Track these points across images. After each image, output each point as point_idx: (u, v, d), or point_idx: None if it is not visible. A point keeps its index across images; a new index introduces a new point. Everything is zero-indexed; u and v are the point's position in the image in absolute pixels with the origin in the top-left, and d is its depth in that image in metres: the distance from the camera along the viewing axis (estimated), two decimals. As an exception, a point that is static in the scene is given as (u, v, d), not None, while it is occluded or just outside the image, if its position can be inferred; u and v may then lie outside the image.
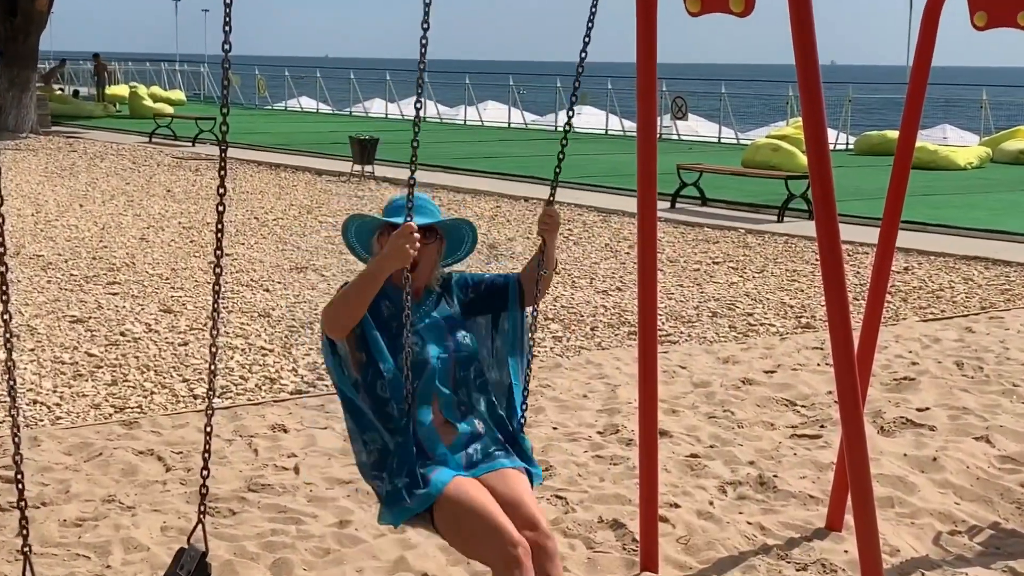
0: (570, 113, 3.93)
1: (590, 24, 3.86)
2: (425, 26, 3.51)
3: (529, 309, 3.88)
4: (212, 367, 3.38)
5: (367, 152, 20.26)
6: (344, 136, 23.37)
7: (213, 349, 3.40)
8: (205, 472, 3.45)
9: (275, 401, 7.04)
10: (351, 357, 3.58)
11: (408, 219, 3.51)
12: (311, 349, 8.44)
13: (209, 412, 3.39)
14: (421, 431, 3.55)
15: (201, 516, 3.40)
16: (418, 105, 3.65)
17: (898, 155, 4.72)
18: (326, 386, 7.49)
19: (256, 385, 7.49)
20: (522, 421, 3.80)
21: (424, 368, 3.58)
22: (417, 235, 3.47)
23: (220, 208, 3.31)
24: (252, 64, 52.26)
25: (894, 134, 27.41)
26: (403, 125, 35.93)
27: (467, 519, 3.41)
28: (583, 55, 3.87)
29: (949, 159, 23.69)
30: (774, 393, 7.25)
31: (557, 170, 3.92)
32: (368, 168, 20.31)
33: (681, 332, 9.28)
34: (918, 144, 23.41)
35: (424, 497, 3.46)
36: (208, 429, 3.43)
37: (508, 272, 3.95)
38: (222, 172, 3.30)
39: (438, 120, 38.48)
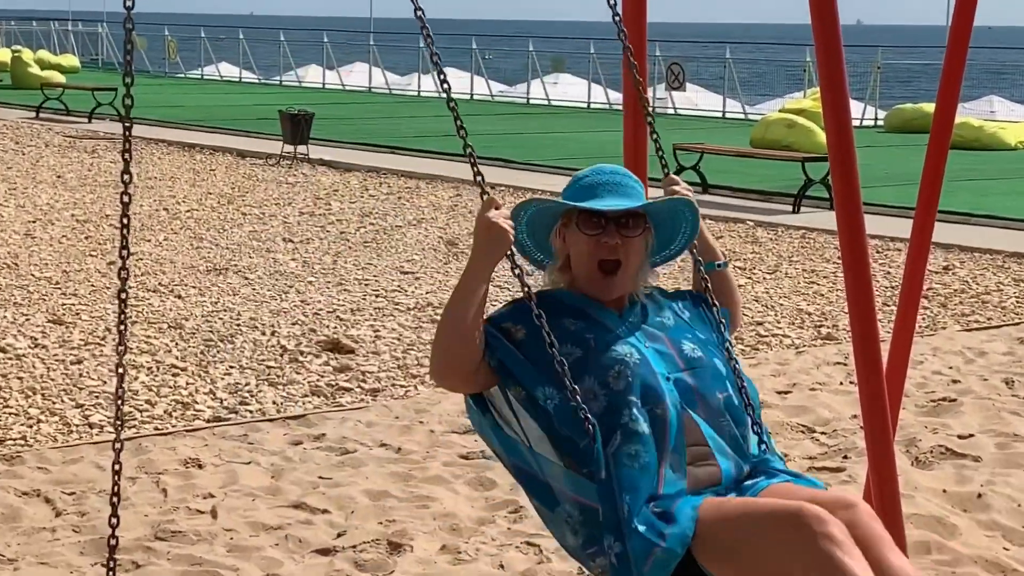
0: (647, 97, 3.65)
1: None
2: None
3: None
4: (120, 390, 3.36)
5: (300, 129, 20.23)
6: (273, 110, 23.33)
7: (120, 370, 3.38)
8: (114, 520, 3.42)
9: (188, 431, 7.02)
10: (515, 406, 3.16)
11: (484, 193, 3.18)
12: (232, 367, 8.42)
13: (117, 447, 3.37)
14: (671, 470, 3.12)
15: (110, 574, 3.38)
16: (439, 66, 3.40)
17: (934, 132, 4.76)
18: (249, 411, 7.49)
19: (165, 411, 7.47)
20: (769, 445, 3.41)
21: (649, 385, 3.15)
22: (503, 211, 3.17)
23: (125, 198, 3.30)
24: (160, 23, 52.03)
25: (932, 107, 27.51)
26: (343, 97, 35.88)
27: (744, 526, 2.92)
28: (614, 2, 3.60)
29: (997, 137, 23.88)
30: (788, 417, 7.29)
31: (654, 136, 3.64)
32: (301, 148, 20.28)
33: (678, 345, 9.31)
34: (960, 119, 23.65)
35: (681, 535, 2.96)
36: (116, 467, 3.41)
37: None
38: (126, 155, 3.29)
39: (386, 91, 38.45)
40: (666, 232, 3.42)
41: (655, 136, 3.74)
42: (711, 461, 3.18)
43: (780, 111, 25.29)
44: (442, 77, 3.43)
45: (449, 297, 3.21)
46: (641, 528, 3.01)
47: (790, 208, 15.98)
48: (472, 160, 3.29)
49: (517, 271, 3.28)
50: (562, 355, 3.15)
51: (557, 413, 3.13)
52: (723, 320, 3.49)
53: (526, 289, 3.24)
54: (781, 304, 10.75)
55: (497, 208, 3.20)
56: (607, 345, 3.18)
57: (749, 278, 11.84)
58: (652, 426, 3.12)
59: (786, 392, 7.84)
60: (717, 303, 3.52)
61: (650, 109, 3.78)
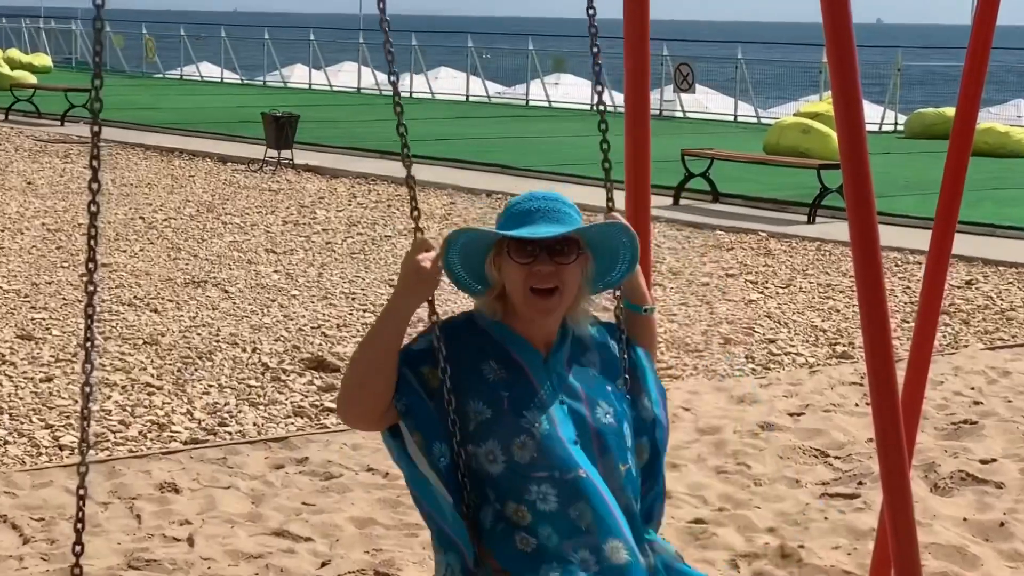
0: (598, 88, 3.69)
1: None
2: None
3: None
4: (85, 410, 3.36)
5: (285, 133, 20.25)
6: (255, 112, 23.35)
7: (87, 388, 3.39)
8: (78, 547, 3.43)
9: (164, 453, 7.02)
10: (415, 449, 3.26)
11: (417, 230, 3.24)
12: (210, 386, 8.42)
13: (82, 469, 3.38)
14: (570, 548, 3.19)
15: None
16: (392, 78, 3.41)
17: (954, 137, 4.77)
18: (228, 433, 7.49)
19: (140, 432, 7.47)
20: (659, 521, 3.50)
21: (555, 455, 3.21)
22: (432, 254, 3.21)
23: (93, 208, 3.30)
24: (138, 20, 52.13)
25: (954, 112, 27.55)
26: (331, 98, 35.92)
27: None
28: (591, 11, 3.64)
29: (1024, 143, 23.91)
30: (801, 441, 7.30)
31: (606, 164, 3.64)
32: (285, 153, 20.30)
33: (684, 364, 9.32)
34: (985, 125, 23.73)
35: None
36: (81, 492, 3.42)
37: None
38: (95, 162, 3.29)
39: (376, 91, 38.49)
40: (605, 260, 3.40)
41: (607, 165, 3.66)
42: (600, 543, 3.20)
43: (795, 115, 25.36)
44: (396, 99, 3.41)
45: (365, 335, 3.25)
46: None
47: (805, 218, 16.01)
48: (411, 195, 3.33)
49: (435, 317, 3.32)
50: (473, 413, 3.24)
51: (446, 473, 3.23)
52: (627, 378, 3.45)
53: (438, 343, 3.27)
54: (794, 320, 10.76)
55: (427, 251, 3.24)
56: (519, 408, 3.23)
57: (761, 293, 11.85)
58: (555, 501, 3.19)
59: (799, 414, 7.84)
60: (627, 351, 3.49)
61: (604, 116, 3.74)
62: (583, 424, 3.27)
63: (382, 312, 3.27)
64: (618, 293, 3.52)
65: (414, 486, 3.31)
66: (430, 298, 3.34)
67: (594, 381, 3.34)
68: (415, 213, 3.33)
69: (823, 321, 10.75)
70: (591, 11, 3.68)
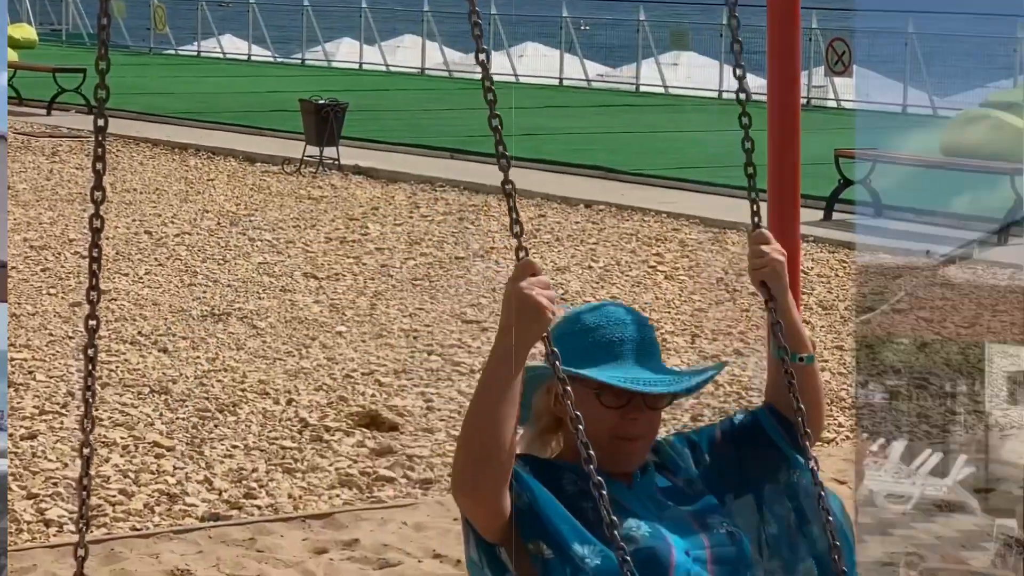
0: (738, 72, 3.72)
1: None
2: None
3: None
4: (84, 478, 3.39)
5: (329, 125, 20.33)
6: (292, 99, 23.48)
7: (86, 450, 3.41)
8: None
9: (176, 532, 7.05)
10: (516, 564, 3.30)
11: (520, 250, 3.25)
12: (234, 447, 8.46)
13: (81, 553, 3.40)
14: None
15: None
16: (482, 57, 3.40)
17: None
18: (257, 507, 7.51)
19: (146, 505, 7.52)
20: None
21: (665, 569, 3.30)
22: (542, 278, 3.25)
23: (96, 223, 3.31)
24: (145, -18, 52.66)
25: None
26: (387, 81, 36.05)
27: None
28: None
29: None
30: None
31: (750, 169, 3.58)
32: (330, 151, 20.37)
33: (839, 424, 9.25)
34: None
35: None
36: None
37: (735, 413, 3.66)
38: (99, 164, 3.30)
39: (445, 73, 38.58)
40: None
41: (751, 170, 3.58)
42: None
43: (981, 105, 25.14)
44: (488, 83, 3.44)
45: (475, 396, 3.25)
46: None
47: (996, 238, 15.85)
48: (510, 204, 3.31)
49: (554, 353, 3.25)
50: (555, 504, 3.28)
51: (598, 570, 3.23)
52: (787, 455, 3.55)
53: (561, 381, 3.21)
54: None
55: (534, 274, 3.25)
56: (606, 520, 3.21)
57: (937, 334, 11.74)
58: None
59: None
60: (801, 408, 3.48)
61: (745, 106, 3.75)
62: (692, 533, 3.38)
63: (494, 359, 3.23)
64: (779, 336, 3.51)
65: None
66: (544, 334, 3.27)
67: (694, 491, 3.48)
68: (516, 228, 3.30)
69: None
70: None
